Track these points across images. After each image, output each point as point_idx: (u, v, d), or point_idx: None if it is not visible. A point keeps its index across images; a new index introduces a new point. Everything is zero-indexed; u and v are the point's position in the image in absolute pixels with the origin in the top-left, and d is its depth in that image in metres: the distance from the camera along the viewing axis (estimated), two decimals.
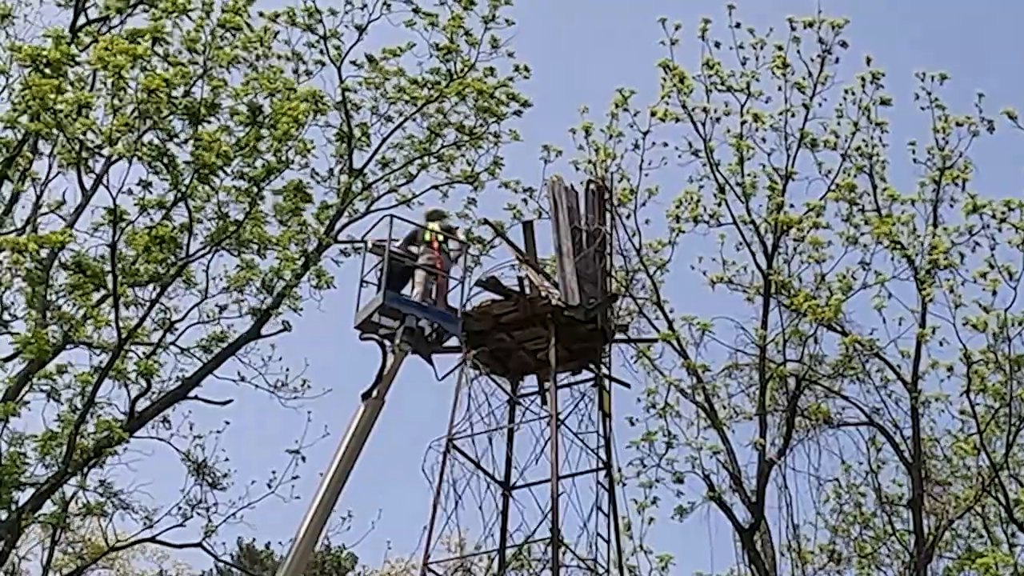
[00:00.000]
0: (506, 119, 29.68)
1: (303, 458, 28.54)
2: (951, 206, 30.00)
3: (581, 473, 26.19)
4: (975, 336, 28.38)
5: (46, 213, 29.07)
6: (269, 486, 28.88)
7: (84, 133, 25.14)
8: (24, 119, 25.14)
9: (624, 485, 28.02)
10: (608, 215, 28.25)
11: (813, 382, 30.41)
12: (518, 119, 29.77)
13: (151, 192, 25.36)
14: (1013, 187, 29.53)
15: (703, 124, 30.57)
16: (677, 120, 30.65)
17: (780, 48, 30.73)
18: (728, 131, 30.67)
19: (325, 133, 29.05)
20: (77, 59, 25.75)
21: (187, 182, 24.87)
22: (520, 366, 27.30)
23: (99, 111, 25.34)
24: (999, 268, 28.24)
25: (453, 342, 25.60)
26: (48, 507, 26.81)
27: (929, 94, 30.33)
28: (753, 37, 30.75)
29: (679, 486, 29.05)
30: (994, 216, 28.70)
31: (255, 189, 26.12)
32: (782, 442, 30.02)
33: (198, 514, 28.78)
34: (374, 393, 22.48)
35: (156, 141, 24.91)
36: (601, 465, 26.31)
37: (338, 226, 28.86)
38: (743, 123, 30.59)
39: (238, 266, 27.42)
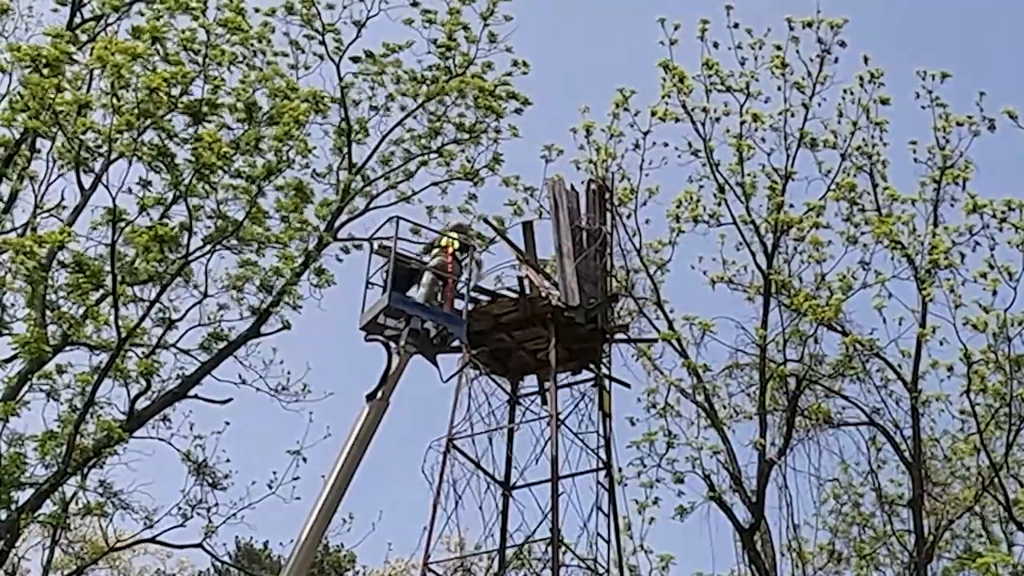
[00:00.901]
0: (505, 117, 29.68)
1: (304, 459, 28.58)
2: (951, 206, 30.10)
3: (581, 473, 26.20)
4: (975, 336, 28.50)
5: (45, 215, 29.00)
6: (270, 487, 28.91)
7: (84, 132, 25.11)
8: (22, 117, 25.04)
9: (624, 485, 28.03)
10: (608, 215, 28.24)
11: (813, 382, 30.40)
12: (518, 116, 29.83)
13: (151, 191, 25.35)
14: (1014, 187, 29.62)
15: (703, 124, 30.65)
16: (677, 120, 30.69)
17: (779, 48, 30.76)
18: (728, 131, 30.72)
19: (324, 128, 29.06)
20: (75, 57, 25.71)
21: (187, 181, 24.82)
22: (520, 366, 27.29)
23: (98, 110, 25.38)
24: (999, 268, 28.30)
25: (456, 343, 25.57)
26: (48, 507, 26.73)
27: (930, 93, 30.41)
28: (751, 37, 30.80)
29: (679, 486, 29.07)
30: (994, 216, 28.73)
31: (255, 188, 26.08)
32: (782, 442, 30.02)
33: (198, 514, 28.77)
34: (379, 395, 22.45)
35: (156, 140, 24.88)
36: (601, 465, 26.30)
37: (338, 223, 28.82)
38: (743, 123, 30.63)
39: (238, 264, 27.42)
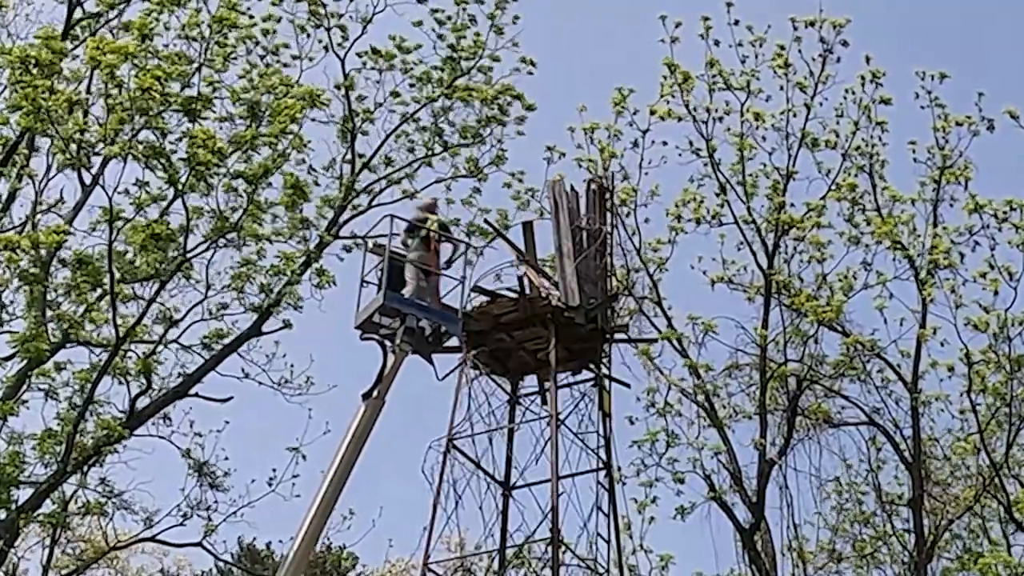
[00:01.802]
0: (509, 121, 29.64)
1: (303, 456, 28.54)
2: (951, 206, 30.10)
3: (581, 473, 26.12)
4: (976, 336, 28.52)
5: (46, 211, 29.03)
6: (269, 484, 28.89)
7: (81, 132, 25.08)
8: (18, 116, 25.03)
9: (624, 485, 27.95)
10: (608, 214, 28.20)
11: (814, 382, 30.36)
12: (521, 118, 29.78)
13: (147, 190, 25.32)
14: (1014, 187, 29.61)
15: (704, 123, 30.58)
16: (679, 119, 30.63)
17: (781, 47, 30.68)
18: (729, 130, 30.65)
19: (328, 125, 29.04)
20: (72, 55, 25.69)
21: (183, 179, 24.78)
22: (520, 366, 27.21)
23: (95, 109, 25.38)
24: (999, 268, 28.34)
25: (453, 342, 25.56)
26: (48, 506, 26.75)
27: (929, 93, 30.36)
28: (752, 35, 30.73)
29: (680, 486, 29.01)
30: (995, 216, 28.75)
31: (251, 187, 26.04)
32: (783, 442, 29.99)
33: (198, 514, 28.76)
34: (374, 393, 22.46)
35: (152, 138, 24.86)
36: (601, 465, 26.25)
37: (340, 221, 28.79)
38: (744, 122, 30.57)
39: (238, 262, 27.39)
